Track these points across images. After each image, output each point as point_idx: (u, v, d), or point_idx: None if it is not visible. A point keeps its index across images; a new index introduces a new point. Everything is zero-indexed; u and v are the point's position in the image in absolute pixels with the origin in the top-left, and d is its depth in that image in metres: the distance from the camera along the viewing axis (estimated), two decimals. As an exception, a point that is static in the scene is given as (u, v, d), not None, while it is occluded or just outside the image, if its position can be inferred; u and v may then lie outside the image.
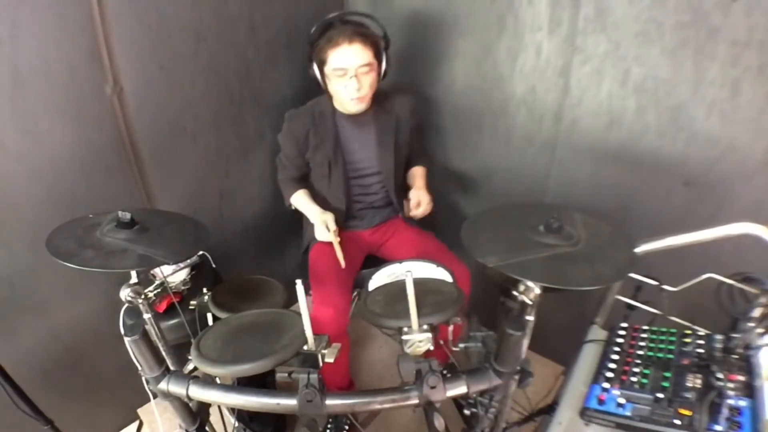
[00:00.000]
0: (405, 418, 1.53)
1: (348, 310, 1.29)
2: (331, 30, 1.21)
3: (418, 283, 0.80)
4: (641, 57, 1.17)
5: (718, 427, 0.76)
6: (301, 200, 1.44)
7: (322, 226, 1.32)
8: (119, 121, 1.21)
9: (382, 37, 1.27)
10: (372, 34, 1.24)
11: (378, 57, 1.26)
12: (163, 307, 1.19)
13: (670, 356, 0.92)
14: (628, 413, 0.82)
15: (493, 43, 1.41)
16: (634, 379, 0.88)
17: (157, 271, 1.23)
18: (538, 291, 0.76)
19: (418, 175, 1.52)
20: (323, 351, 0.82)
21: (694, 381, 0.85)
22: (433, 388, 0.78)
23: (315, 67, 1.27)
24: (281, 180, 1.50)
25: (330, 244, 1.32)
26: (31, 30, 1.01)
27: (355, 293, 1.42)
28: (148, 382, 0.87)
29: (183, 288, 1.28)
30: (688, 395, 0.82)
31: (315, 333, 0.82)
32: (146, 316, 0.87)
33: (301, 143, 1.38)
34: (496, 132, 1.52)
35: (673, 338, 0.97)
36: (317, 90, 1.38)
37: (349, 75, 1.22)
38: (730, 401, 0.79)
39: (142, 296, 0.86)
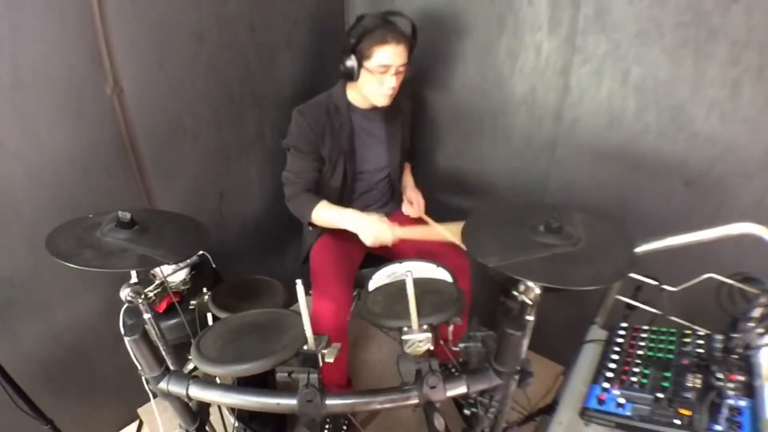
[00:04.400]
0: (405, 418, 1.53)
1: (349, 305, 1.28)
2: (378, 28, 1.23)
3: (418, 283, 0.80)
4: (641, 57, 1.17)
5: (718, 427, 0.76)
6: (326, 210, 1.32)
7: (378, 235, 1.23)
8: (119, 121, 1.21)
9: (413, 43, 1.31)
10: (410, 38, 1.29)
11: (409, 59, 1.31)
12: (163, 307, 1.19)
13: (670, 356, 0.93)
14: (628, 413, 0.82)
15: (493, 43, 1.41)
16: (634, 379, 0.88)
17: (157, 271, 1.23)
18: (538, 291, 0.76)
19: (407, 172, 1.52)
20: (323, 351, 0.82)
21: (694, 381, 0.85)
22: (433, 388, 0.78)
23: (354, 60, 1.26)
24: (293, 196, 1.36)
25: (330, 238, 1.29)
26: (31, 30, 1.01)
27: (355, 293, 1.42)
28: (148, 382, 0.87)
29: (183, 288, 1.28)
30: (688, 395, 0.82)
31: (315, 328, 0.82)
32: (146, 316, 0.86)
33: (319, 137, 1.33)
34: (496, 132, 1.52)
35: (673, 338, 0.97)
36: (318, 89, 1.39)
37: (391, 72, 1.26)
38: (730, 401, 0.79)
39: (142, 296, 0.85)
